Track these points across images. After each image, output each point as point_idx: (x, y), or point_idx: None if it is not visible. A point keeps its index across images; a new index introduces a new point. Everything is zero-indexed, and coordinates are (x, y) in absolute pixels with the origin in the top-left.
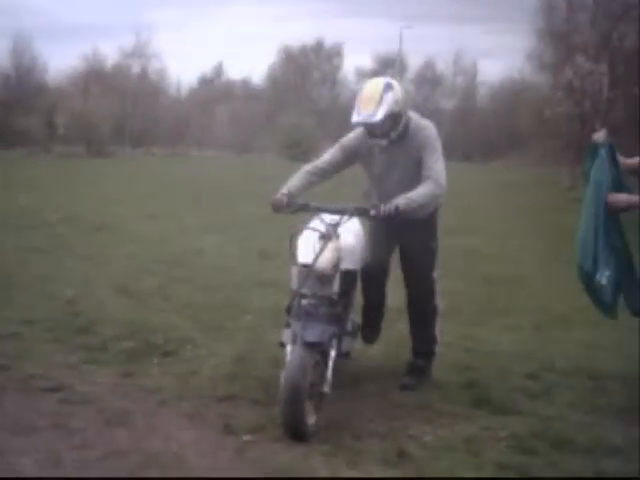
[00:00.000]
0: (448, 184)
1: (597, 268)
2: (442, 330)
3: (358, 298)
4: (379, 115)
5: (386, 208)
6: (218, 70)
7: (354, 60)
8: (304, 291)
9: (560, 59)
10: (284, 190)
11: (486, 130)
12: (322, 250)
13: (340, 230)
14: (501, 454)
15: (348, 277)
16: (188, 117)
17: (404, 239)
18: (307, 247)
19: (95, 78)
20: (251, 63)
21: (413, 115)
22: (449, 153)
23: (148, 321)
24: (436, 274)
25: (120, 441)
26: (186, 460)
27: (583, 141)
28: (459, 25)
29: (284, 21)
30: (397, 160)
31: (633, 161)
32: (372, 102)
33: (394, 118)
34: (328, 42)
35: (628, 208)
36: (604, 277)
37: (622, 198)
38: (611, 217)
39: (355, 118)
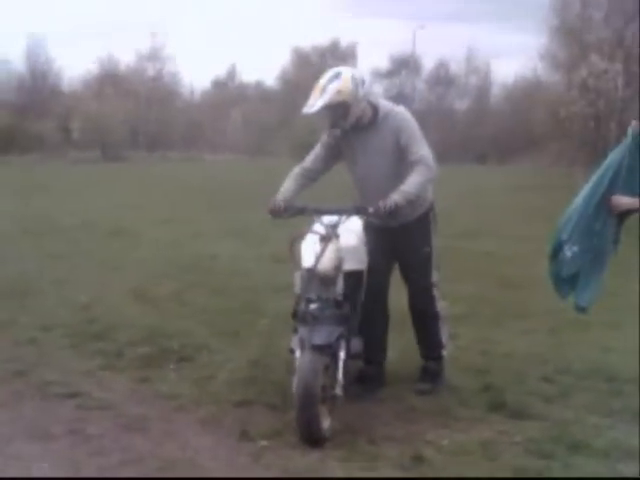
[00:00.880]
0: (461, 186)
1: (569, 240)
2: (451, 333)
3: None
4: (316, 106)
5: (385, 205)
6: (231, 73)
7: (369, 61)
8: (308, 295)
9: (574, 58)
10: (280, 196)
11: (500, 131)
12: (322, 252)
13: (341, 230)
14: (517, 458)
15: (353, 277)
16: (202, 120)
17: (399, 247)
18: (309, 251)
19: (109, 81)
20: (264, 65)
21: (384, 102)
22: (463, 155)
23: (164, 326)
24: (435, 278)
25: (137, 447)
26: (203, 466)
27: (598, 141)
28: (472, 24)
29: (297, 22)
30: (374, 148)
31: None
32: (316, 93)
33: (342, 107)
34: (342, 43)
35: (629, 212)
36: (570, 251)
37: (624, 201)
38: (606, 204)
39: (303, 109)
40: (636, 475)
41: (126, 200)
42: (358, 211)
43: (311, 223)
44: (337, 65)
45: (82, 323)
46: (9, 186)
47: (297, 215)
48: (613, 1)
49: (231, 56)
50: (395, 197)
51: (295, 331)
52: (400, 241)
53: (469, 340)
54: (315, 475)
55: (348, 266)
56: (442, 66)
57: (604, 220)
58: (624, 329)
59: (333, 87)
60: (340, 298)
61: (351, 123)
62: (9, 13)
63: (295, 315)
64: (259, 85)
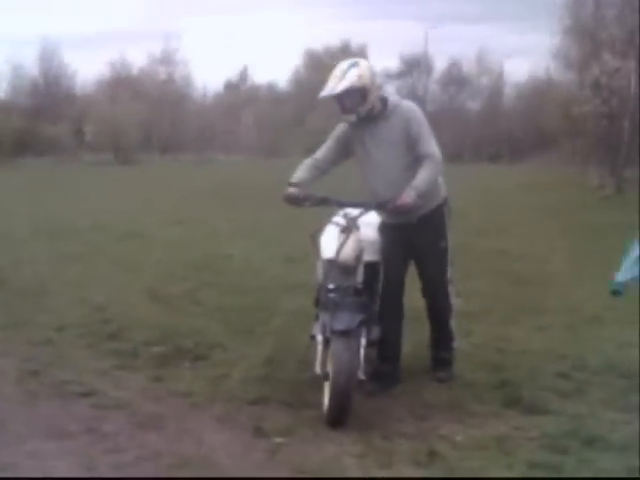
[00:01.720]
0: (475, 185)
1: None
2: (466, 330)
3: None
4: (338, 89)
5: (404, 202)
6: (243, 75)
7: (380, 62)
8: (330, 283)
9: (587, 56)
10: (294, 183)
11: (513, 130)
12: (344, 242)
13: (360, 223)
14: (533, 453)
15: (371, 269)
16: (214, 122)
17: (415, 242)
18: (330, 242)
19: (122, 85)
20: (276, 67)
21: (393, 96)
22: (476, 154)
23: (178, 325)
24: (450, 273)
25: (152, 445)
26: (218, 463)
27: (611, 139)
28: (485, 24)
29: (309, 24)
30: (383, 139)
31: None
32: (336, 78)
33: (360, 93)
34: (353, 44)
35: None
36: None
37: None
38: None
39: (322, 92)
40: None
41: (139, 202)
42: (379, 206)
43: (330, 216)
44: None
45: (97, 323)
46: (23, 188)
47: (316, 205)
48: None
49: (243, 58)
50: (410, 195)
51: (317, 318)
52: (416, 236)
53: (484, 337)
54: (330, 471)
55: (366, 257)
56: (454, 66)
57: None
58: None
59: (354, 72)
60: (360, 287)
61: (367, 110)
62: (23, 17)
63: (317, 303)
64: (271, 87)
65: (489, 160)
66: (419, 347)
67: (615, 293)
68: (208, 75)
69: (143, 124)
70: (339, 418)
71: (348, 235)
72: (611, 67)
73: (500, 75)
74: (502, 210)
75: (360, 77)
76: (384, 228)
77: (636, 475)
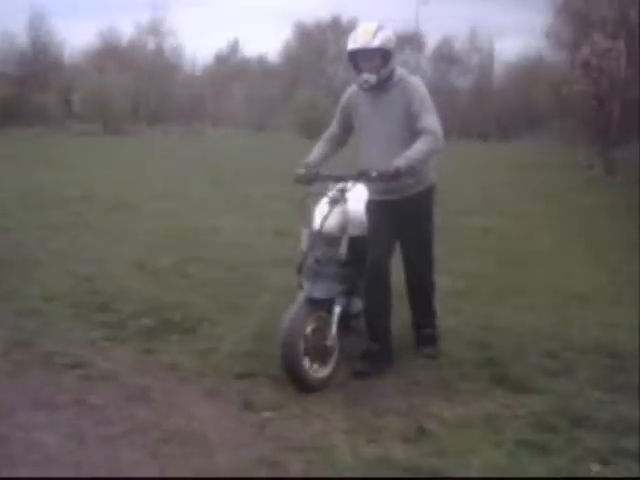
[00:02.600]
0: (463, 163)
1: None
2: (453, 308)
3: None
4: (376, 42)
5: (387, 169)
6: (234, 47)
7: None
8: (313, 253)
9: (578, 37)
10: (304, 163)
11: (502, 109)
12: (329, 213)
13: (350, 196)
14: (521, 431)
15: (357, 243)
16: (203, 95)
17: (401, 222)
18: (319, 213)
19: (111, 55)
20: (267, 40)
21: (399, 68)
22: (465, 132)
23: (166, 298)
24: (434, 252)
25: (141, 417)
26: (206, 436)
27: (600, 120)
28: (477, 2)
29: None
30: (384, 110)
31: None
32: (369, 34)
33: (385, 55)
34: (344, 19)
35: None
36: None
37: None
38: None
39: (352, 45)
40: (636, 449)
41: (127, 173)
42: (361, 175)
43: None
44: (339, 41)
45: (85, 294)
46: (11, 158)
47: (313, 181)
48: None
49: (233, 31)
50: (398, 161)
51: (300, 287)
52: (401, 217)
53: (470, 315)
54: (319, 446)
55: (353, 231)
56: (446, 44)
57: None
58: (627, 305)
59: (385, 34)
60: (343, 258)
61: (387, 74)
62: None
63: (300, 271)
64: (261, 60)
65: (478, 138)
66: (406, 326)
67: None
68: (198, 47)
69: (131, 95)
70: (288, 372)
71: (333, 206)
72: (601, 48)
73: (491, 53)
74: (489, 188)
75: (390, 40)
76: (370, 205)
77: (623, 455)
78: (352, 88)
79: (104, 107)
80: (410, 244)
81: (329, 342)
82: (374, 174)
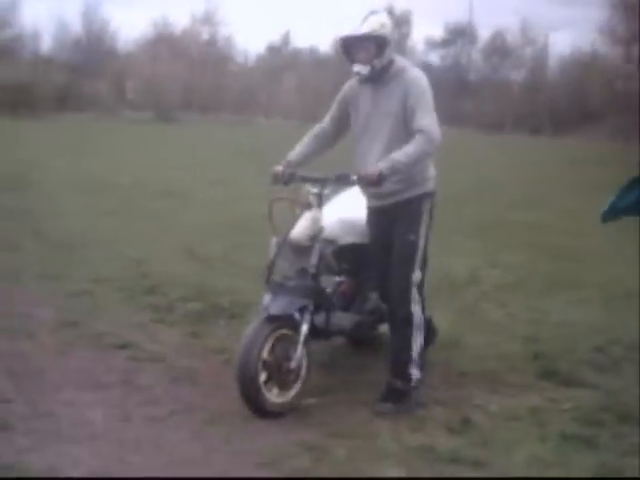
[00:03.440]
0: (516, 158)
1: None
2: (500, 301)
3: None
4: (365, 28)
5: (368, 172)
6: (285, 38)
7: (423, 30)
8: (279, 262)
9: (633, 32)
10: (286, 159)
11: (556, 103)
12: (298, 219)
13: (350, 202)
14: (566, 425)
15: (355, 251)
16: (255, 85)
17: (389, 232)
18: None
19: (164, 44)
20: (318, 31)
21: (400, 58)
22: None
23: (214, 284)
24: (417, 277)
25: (187, 399)
26: (250, 419)
27: None
28: None
29: None
30: (379, 106)
31: None
32: (358, 22)
33: (379, 43)
34: (397, 10)
35: None
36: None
37: None
38: None
39: (341, 34)
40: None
41: (178, 161)
42: (339, 178)
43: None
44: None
45: (134, 277)
46: (64, 144)
47: (290, 183)
48: None
49: (285, 22)
50: (381, 165)
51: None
52: (390, 224)
53: (518, 308)
54: (362, 433)
55: (352, 239)
56: (498, 36)
57: None
58: None
59: (376, 19)
60: (313, 270)
61: (383, 64)
62: None
63: (267, 282)
64: (313, 51)
65: (530, 132)
66: (456, 316)
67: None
68: (250, 38)
69: (184, 83)
70: (246, 403)
71: (303, 212)
72: None
73: (544, 47)
74: (541, 184)
75: (382, 25)
76: (367, 211)
77: None
78: (352, 80)
79: (157, 95)
80: (391, 258)
81: (293, 364)
82: (354, 178)
